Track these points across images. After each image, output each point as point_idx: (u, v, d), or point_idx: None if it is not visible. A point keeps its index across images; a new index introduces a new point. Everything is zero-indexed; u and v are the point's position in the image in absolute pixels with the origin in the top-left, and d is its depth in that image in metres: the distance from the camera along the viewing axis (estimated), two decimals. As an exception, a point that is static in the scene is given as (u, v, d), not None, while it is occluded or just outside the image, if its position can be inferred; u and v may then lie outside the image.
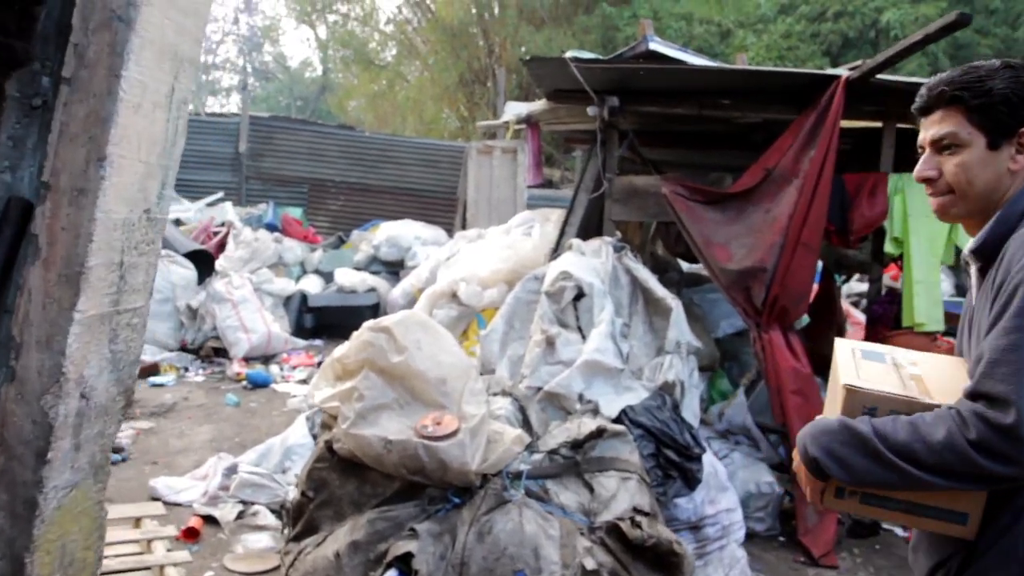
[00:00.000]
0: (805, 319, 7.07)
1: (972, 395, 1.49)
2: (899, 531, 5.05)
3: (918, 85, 4.60)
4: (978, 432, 1.43)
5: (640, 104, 5.11)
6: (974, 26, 13.74)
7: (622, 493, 3.25)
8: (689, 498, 3.85)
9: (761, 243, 4.65)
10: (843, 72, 4.67)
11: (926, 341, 4.94)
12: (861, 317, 9.24)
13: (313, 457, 3.23)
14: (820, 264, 7.50)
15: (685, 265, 8.15)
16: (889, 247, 4.84)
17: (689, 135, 6.37)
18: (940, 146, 1.70)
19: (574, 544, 2.98)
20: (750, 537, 4.71)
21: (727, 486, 4.12)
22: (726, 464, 4.92)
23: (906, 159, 5.79)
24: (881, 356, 1.80)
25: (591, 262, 4.37)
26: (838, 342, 1.87)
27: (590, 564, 2.95)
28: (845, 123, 5.35)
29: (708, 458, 4.01)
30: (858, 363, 1.73)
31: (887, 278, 8.09)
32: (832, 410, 1.74)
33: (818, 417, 1.66)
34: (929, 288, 4.77)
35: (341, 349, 3.30)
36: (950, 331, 9.11)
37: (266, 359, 7.66)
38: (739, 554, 3.99)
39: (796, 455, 1.67)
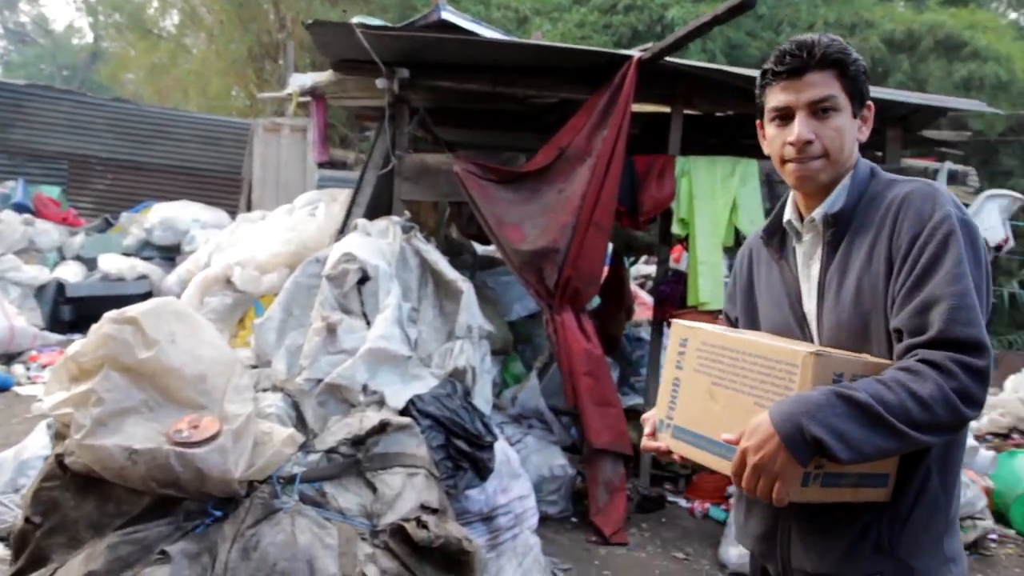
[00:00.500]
0: (596, 300, 7.17)
1: (941, 343, 1.44)
2: (682, 503, 5.20)
3: (705, 69, 4.65)
4: (961, 379, 1.40)
5: (432, 78, 4.87)
6: (744, 28, 14.72)
7: (408, 491, 3.00)
8: (481, 489, 3.68)
9: (554, 223, 4.56)
10: (635, 53, 4.67)
11: (709, 319, 5.08)
12: (648, 298, 9.58)
13: (40, 475, 2.72)
14: (610, 247, 7.66)
15: (479, 248, 8.06)
16: (676, 228, 4.93)
17: (483, 115, 6.21)
18: (817, 108, 1.62)
19: (354, 552, 2.69)
20: (543, 521, 4.65)
21: (520, 473, 4.00)
22: (519, 449, 4.83)
23: (692, 143, 6.02)
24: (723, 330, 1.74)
25: (377, 243, 4.08)
26: (676, 325, 1.75)
27: (372, 572, 2.68)
28: (635, 107, 5.40)
29: (500, 446, 3.86)
30: (746, 336, 1.64)
31: (671, 260, 8.41)
32: (695, 403, 1.65)
33: (795, 395, 1.44)
34: (712, 268, 4.90)
35: (76, 345, 2.81)
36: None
37: (9, 357, 6.70)
38: (532, 541, 3.89)
39: (755, 442, 1.43)
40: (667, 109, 5.20)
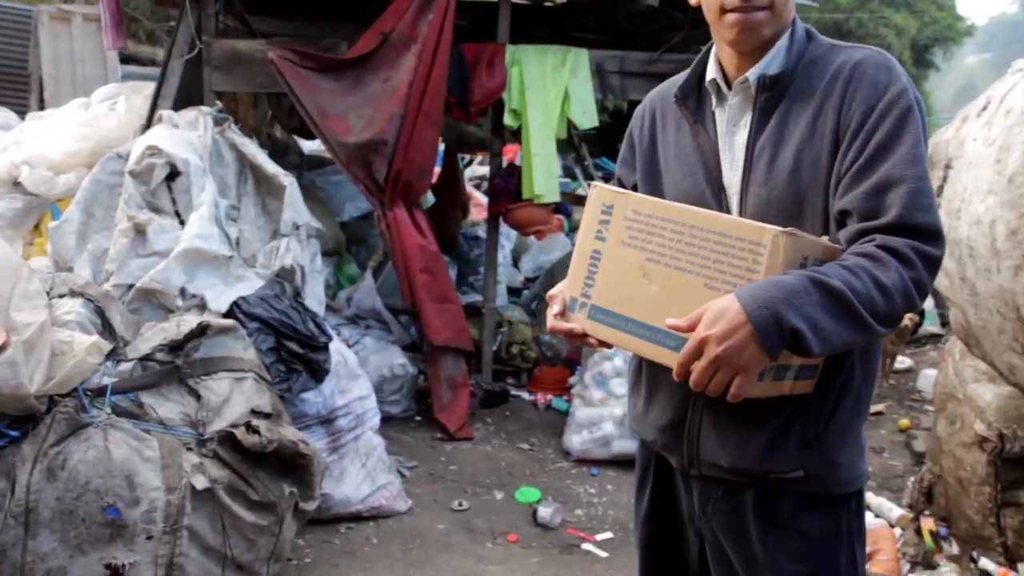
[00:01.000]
0: (431, 199, 7.02)
1: (900, 228, 1.31)
2: (525, 396, 5.28)
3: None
4: (919, 269, 1.30)
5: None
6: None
7: (236, 396, 2.81)
8: (318, 391, 3.53)
9: (381, 114, 4.32)
10: (458, -70, 4.40)
11: (544, 212, 5.07)
12: (483, 198, 9.53)
13: None
14: (443, 144, 7.47)
15: (307, 147, 7.64)
16: (508, 119, 4.81)
17: (302, 3, 5.75)
18: None
19: (179, 463, 2.50)
20: (387, 421, 4.58)
21: (358, 373, 3.87)
22: (358, 350, 4.69)
23: (522, 34, 5.86)
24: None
25: (186, 135, 3.70)
26: (598, 188, 1.50)
27: (201, 483, 2.50)
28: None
29: (336, 346, 3.71)
30: (695, 208, 1.41)
31: (505, 158, 8.34)
32: (621, 281, 1.43)
33: (769, 279, 1.26)
34: (546, 161, 4.84)
35: None
36: (563, 209, 9.79)
37: None
38: (375, 441, 3.80)
39: (719, 330, 1.23)
40: (495, -2, 5.00)
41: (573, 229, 10.19)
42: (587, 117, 4.97)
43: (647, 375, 1.64)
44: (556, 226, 9.45)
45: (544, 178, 4.83)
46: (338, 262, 5.99)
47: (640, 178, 1.64)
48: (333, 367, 3.58)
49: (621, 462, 4.32)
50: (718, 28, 1.47)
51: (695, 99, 1.57)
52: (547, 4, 5.91)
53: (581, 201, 9.16)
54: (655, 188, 1.61)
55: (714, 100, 1.55)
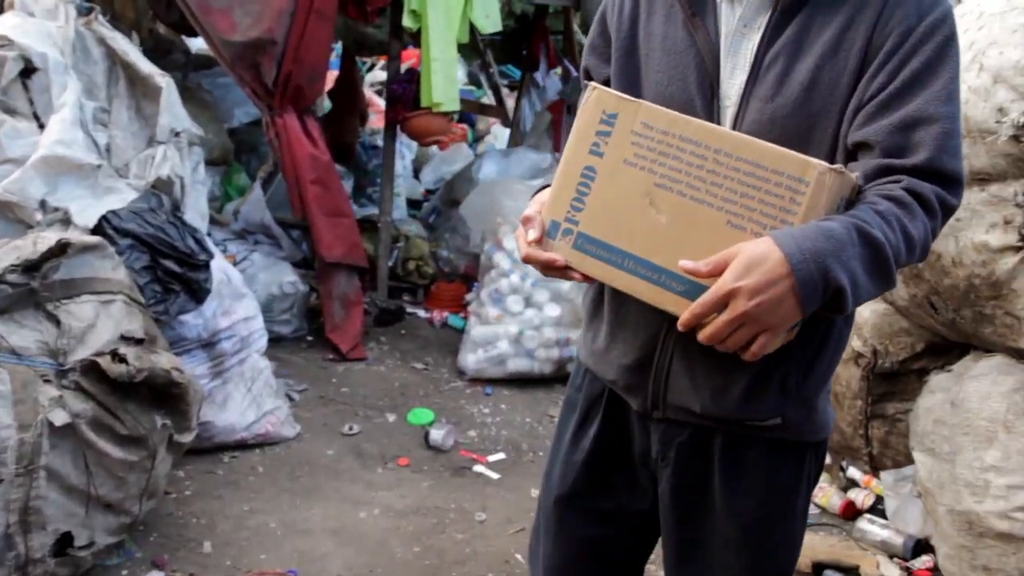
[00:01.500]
0: (327, 105, 6.69)
1: (929, 172, 1.17)
2: (421, 313, 5.17)
3: None
4: (939, 221, 1.18)
5: None
6: None
7: (103, 321, 2.60)
8: (198, 312, 3.33)
9: (269, 10, 3.99)
10: None
11: (444, 121, 4.87)
12: (384, 104, 9.16)
13: None
14: (341, 47, 7.07)
15: (195, 45, 7.11)
16: (407, 20, 4.53)
17: None
18: None
19: (34, 397, 2.30)
20: (277, 341, 4.42)
21: (244, 292, 3.67)
22: (246, 267, 4.47)
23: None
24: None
25: (44, 26, 3.32)
26: (598, 91, 1.27)
27: (60, 418, 2.31)
28: None
29: (219, 264, 3.49)
30: (720, 129, 1.23)
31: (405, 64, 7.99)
32: (621, 207, 1.22)
33: (815, 226, 1.09)
34: (446, 66, 4.61)
35: None
36: (466, 119, 9.53)
37: None
38: (262, 364, 3.64)
39: (755, 282, 1.07)
40: None
41: (477, 139, 9.97)
42: (490, 21, 4.75)
43: (610, 307, 1.45)
44: (459, 135, 9.24)
45: (444, 85, 4.61)
46: (226, 171, 5.65)
47: (614, 72, 1.41)
48: (215, 287, 3.38)
49: (515, 381, 4.31)
50: None
51: None
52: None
53: (486, 110, 8.93)
54: (632, 87, 1.38)
55: None
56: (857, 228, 1.09)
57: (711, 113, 1.30)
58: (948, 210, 1.19)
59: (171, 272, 3.18)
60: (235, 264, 4.41)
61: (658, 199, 1.20)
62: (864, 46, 1.21)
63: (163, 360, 2.62)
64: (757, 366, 1.27)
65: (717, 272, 1.10)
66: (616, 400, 1.49)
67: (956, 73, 1.20)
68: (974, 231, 2.01)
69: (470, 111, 8.72)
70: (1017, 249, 1.90)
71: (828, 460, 3.23)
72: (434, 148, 7.90)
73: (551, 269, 1.27)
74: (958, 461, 2.11)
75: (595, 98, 1.25)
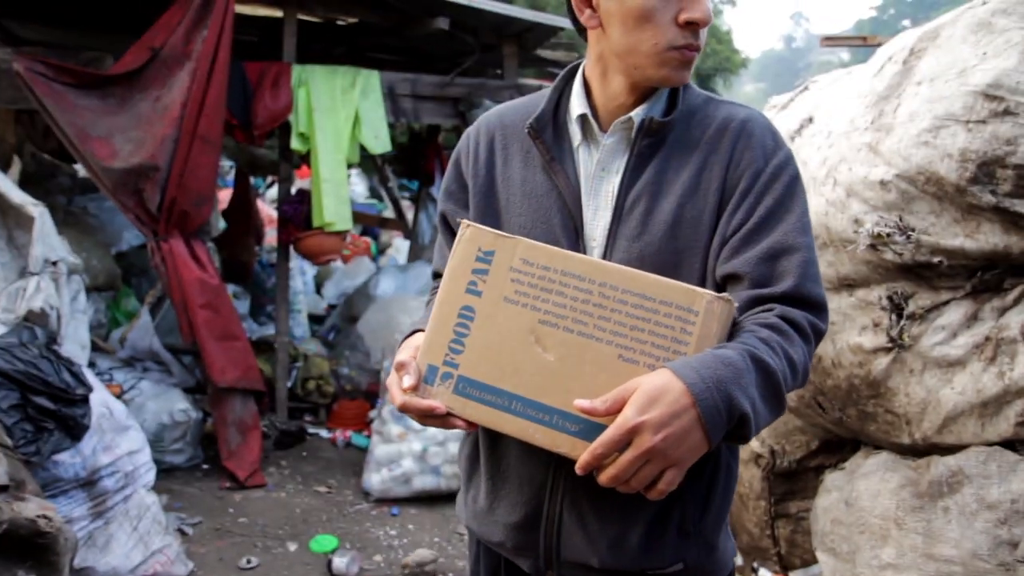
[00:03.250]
0: (223, 225, 6.60)
1: (797, 300, 1.20)
2: (323, 433, 5.02)
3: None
4: (813, 345, 1.20)
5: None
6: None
7: (-39, 470, 2.40)
8: (75, 450, 3.12)
9: (152, 137, 3.95)
10: (234, -58, 4.13)
11: (337, 240, 4.86)
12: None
13: None
14: (235, 166, 7.06)
15: (81, 169, 6.96)
16: (296, 143, 4.57)
17: (62, 10, 5.20)
18: None
19: None
20: (169, 472, 4.20)
21: (128, 425, 3.47)
22: (134, 395, 4.28)
23: (313, 52, 5.62)
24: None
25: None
26: (472, 229, 1.22)
27: (-95, 582, 2.09)
28: (246, 9, 4.87)
29: (99, 396, 3.31)
30: (603, 262, 1.20)
31: (299, 180, 8.02)
32: (504, 348, 1.16)
33: (712, 354, 1.08)
34: (336, 187, 4.64)
35: None
36: (369, 232, 9.55)
37: None
38: (149, 500, 3.42)
39: (659, 415, 1.03)
40: (280, 13, 4.75)
41: (380, 251, 9.98)
42: (379, 141, 4.82)
43: (489, 461, 1.37)
44: (362, 249, 9.23)
45: (335, 204, 4.63)
46: (114, 297, 5.45)
47: (474, 217, 1.39)
48: (95, 421, 3.19)
49: (422, 499, 4.18)
50: (642, 62, 1.27)
51: (551, 133, 1.36)
52: (339, 23, 5.72)
53: (385, 223, 9.00)
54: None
55: (577, 137, 1.36)
56: (751, 355, 1.09)
57: (578, 253, 1.29)
58: (818, 334, 1.23)
59: (44, 409, 2.98)
60: (122, 394, 4.20)
61: (544, 336, 1.15)
62: (720, 186, 1.27)
63: (29, 507, 2.42)
64: (653, 510, 1.25)
65: (615, 409, 1.05)
66: (510, 567, 1.40)
67: (806, 208, 1.28)
68: (848, 334, 2.09)
69: (371, 225, 8.77)
70: (888, 350, 1.98)
71: (740, 562, 3.21)
72: (337, 262, 7.85)
73: (431, 418, 1.19)
74: (857, 560, 2.12)
75: (469, 236, 1.21)
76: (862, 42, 7.08)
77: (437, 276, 1.51)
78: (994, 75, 1.77)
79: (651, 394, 1.03)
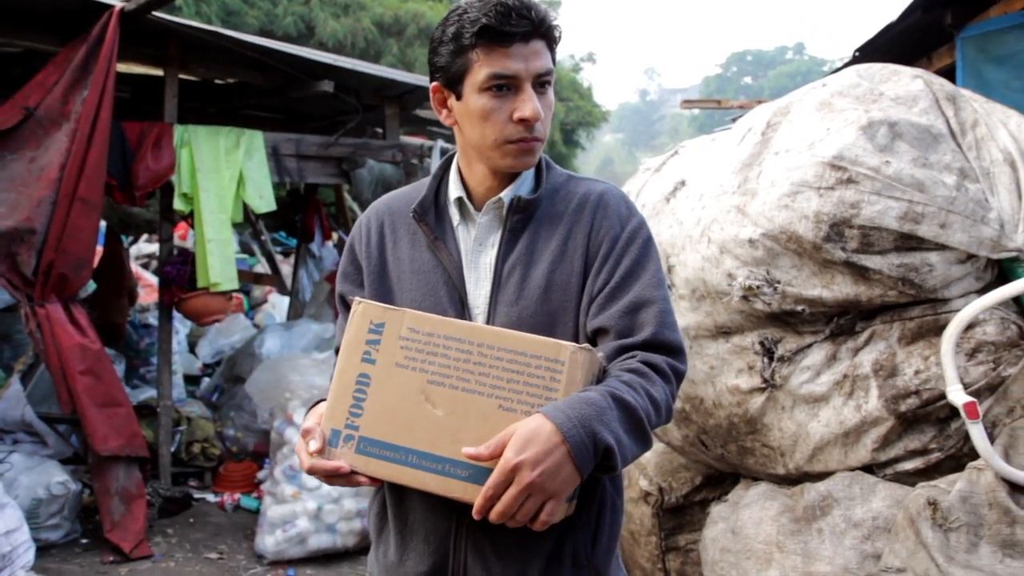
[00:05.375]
0: (92, 285, 6.35)
1: (656, 345, 1.36)
2: (210, 497, 4.89)
3: (198, 29, 4.27)
4: (674, 385, 1.36)
5: None
6: (238, -6, 14.27)
7: None
8: (-49, 532, 2.97)
9: (27, 199, 3.84)
10: (117, 2, 4.10)
11: (222, 300, 4.81)
12: (153, 279, 8.82)
13: None
14: (104, 224, 6.82)
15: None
16: (179, 204, 4.52)
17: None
18: (542, 82, 1.41)
19: None
20: (45, 550, 4.00)
21: (3, 503, 3.33)
22: (4, 470, 4.06)
23: (191, 111, 5.58)
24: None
25: None
26: (363, 305, 1.36)
27: None
28: (124, 68, 4.81)
29: (-25, 474, 3.16)
30: (478, 325, 1.36)
31: (176, 237, 7.82)
32: (398, 408, 1.29)
33: (577, 396, 1.22)
34: (221, 247, 4.61)
35: None
36: (242, 288, 9.37)
37: None
38: (29, 580, 3.28)
39: (533, 454, 1.17)
40: (160, 72, 4.73)
41: (253, 307, 9.79)
42: (264, 200, 4.84)
43: (397, 517, 1.49)
44: (235, 305, 9.03)
45: (221, 265, 4.60)
46: (-26, 366, 5.15)
47: (369, 295, 1.53)
48: (-30, 500, 3.05)
49: (319, 558, 4.15)
50: (490, 153, 1.44)
51: (434, 215, 1.53)
52: (217, 82, 5.72)
53: (261, 279, 8.86)
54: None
55: (456, 218, 1.52)
56: (612, 394, 1.25)
57: (465, 320, 1.46)
58: (679, 375, 1.40)
59: (-83, 491, 2.83)
60: (-10, 471, 3.98)
61: (433, 395, 1.29)
62: (584, 252, 1.46)
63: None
64: (549, 545, 1.39)
65: (498, 453, 1.19)
66: None
67: (659, 265, 1.47)
68: (727, 376, 2.32)
69: (246, 281, 8.61)
70: (762, 390, 2.21)
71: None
72: (210, 320, 7.66)
73: (337, 477, 1.31)
74: (744, 583, 2.33)
75: (361, 311, 1.36)
76: (717, 105, 7.72)
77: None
78: (838, 148, 2.06)
79: (526, 436, 1.19)
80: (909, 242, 1.97)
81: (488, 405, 1.26)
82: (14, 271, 3.88)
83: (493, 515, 1.20)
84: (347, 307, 1.57)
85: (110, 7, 4.00)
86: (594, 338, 1.43)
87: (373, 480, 1.31)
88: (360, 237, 1.59)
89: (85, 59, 3.96)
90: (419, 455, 1.27)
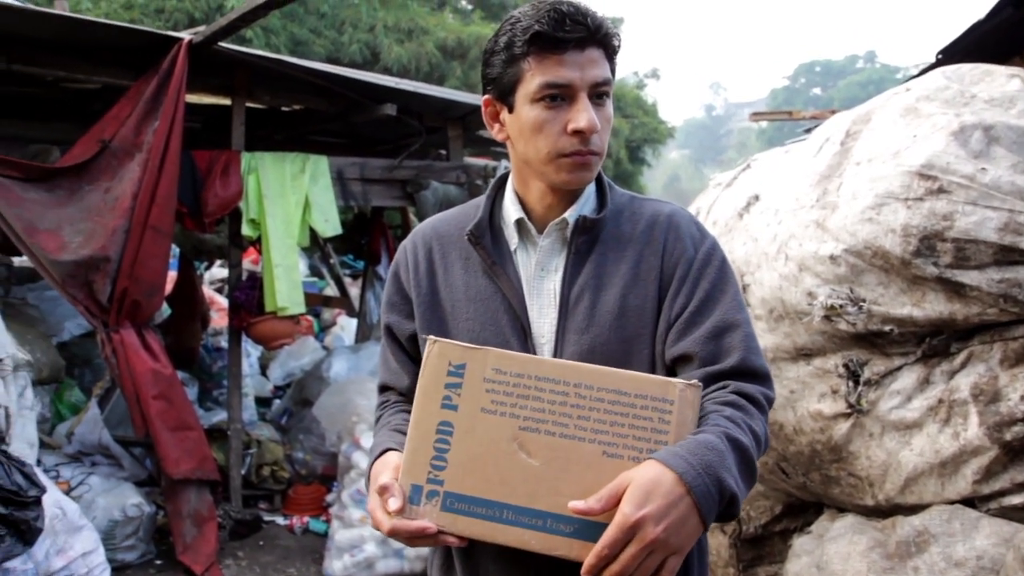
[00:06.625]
0: (167, 310, 6.50)
1: (746, 373, 1.28)
2: (280, 520, 4.91)
3: (264, 58, 4.32)
4: (767, 414, 1.27)
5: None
6: (308, 25, 14.62)
7: (-86, 584, 2.30)
8: (27, 555, 3.02)
9: (102, 228, 3.92)
10: (186, 35, 4.19)
11: (289, 324, 4.85)
12: (226, 303, 8.99)
13: None
14: (178, 250, 6.98)
15: (17, 258, 6.81)
16: (247, 230, 4.58)
17: (9, 102, 5.17)
18: (599, 92, 1.32)
19: None
20: (122, 570, 4.07)
21: (81, 525, 3.37)
22: (83, 492, 4.14)
23: (257, 139, 5.67)
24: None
25: None
26: (439, 344, 1.23)
27: None
28: (193, 99, 4.91)
29: (52, 496, 3.21)
30: (572, 363, 1.23)
31: (247, 262, 7.97)
32: (487, 458, 1.17)
33: (695, 441, 1.13)
34: (288, 271, 4.65)
35: None
36: (311, 311, 9.48)
37: None
38: (104, 603, 3.31)
39: (657, 507, 1.06)
40: (228, 101, 4.81)
41: (323, 329, 9.90)
42: (330, 224, 4.86)
43: (464, 570, 1.36)
44: (305, 328, 9.15)
45: (288, 289, 4.63)
46: (57, 389, 5.30)
47: (420, 327, 1.43)
48: (48, 523, 3.09)
49: (387, 584, 4.11)
50: (544, 168, 1.35)
51: (490, 238, 1.42)
52: (283, 110, 5.80)
53: (329, 302, 8.96)
54: (443, 337, 1.39)
55: (514, 241, 1.42)
56: (727, 436, 1.15)
57: (527, 351, 1.36)
58: (770, 403, 1.31)
59: (-5, 515, 2.88)
60: (70, 491, 4.06)
61: (527, 443, 1.17)
62: (658, 275, 1.36)
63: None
64: None
65: (611, 506, 1.08)
66: None
67: (738, 287, 1.38)
68: (808, 401, 2.19)
69: (315, 304, 8.71)
70: (847, 415, 2.08)
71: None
72: (281, 342, 7.75)
73: (421, 538, 1.18)
74: (831, 621, 2.18)
75: (438, 352, 1.22)
76: (788, 116, 7.51)
77: (384, 389, 1.53)
78: (926, 156, 1.93)
79: (645, 487, 1.07)
80: (1011, 255, 1.82)
81: (591, 452, 1.15)
82: (90, 298, 3.97)
83: (608, 575, 1.08)
84: (394, 339, 1.49)
85: (179, 40, 4.09)
86: (673, 366, 1.32)
87: (462, 539, 1.17)
88: (407, 264, 1.49)
89: (156, 91, 4.04)
90: (515, 510, 1.15)
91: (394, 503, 1.18)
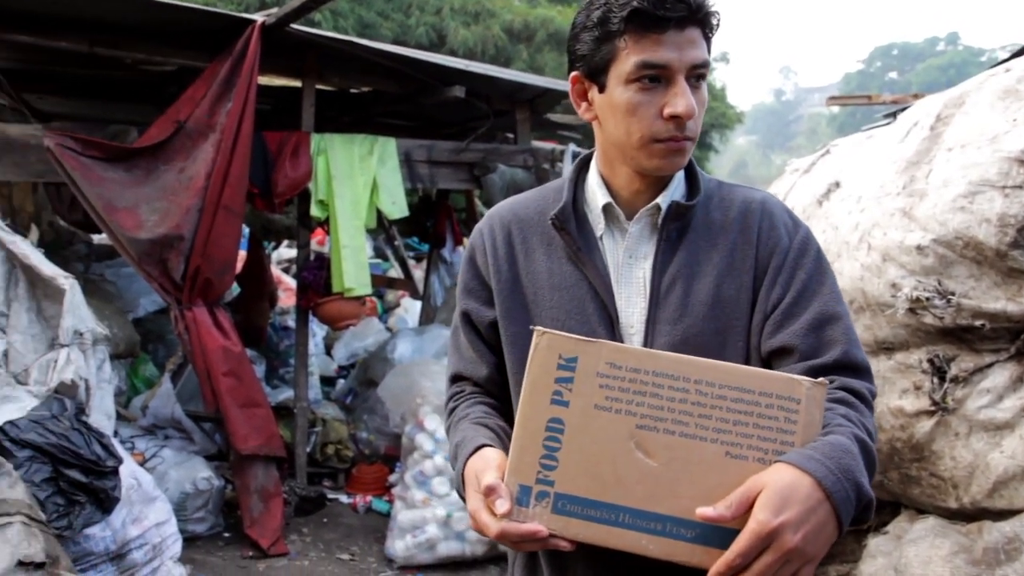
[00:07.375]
0: (236, 289, 6.64)
1: (848, 367, 1.24)
2: (343, 499, 4.98)
3: (335, 40, 4.33)
4: (874, 410, 1.23)
5: (8, 31, 3.99)
6: (375, 8, 14.72)
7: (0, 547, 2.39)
8: (105, 523, 3.11)
9: (177, 207, 4.01)
10: (259, 17, 4.24)
11: (356, 305, 4.89)
12: (293, 283, 9.16)
13: None
14: (247, 230, 7.11)
15: (97, 235, 7.05)
16: (315, 210, 4.63)
17: (90, 84, 5.32)
18: (697, 75, 1.25)
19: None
20: (192, 541, 4.17)
21: (155, 496, 3.46)
22: (156, 464, 4.26)
23: (327, 120, 5.73)
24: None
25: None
26: (548, 336, 1.14)
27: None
28: (264, 81, 4.98)
29: (128, 468, 3.31)
30: (691, 358, 1.15)
31: (314, 243, 8.09)
32: (602, 458, 1.10)
33: (829, 442, 1.07)
34: (355, 252, 4.69)
35: None
36: (375, 292, 9.59)
37: None
38: (176, 573, 3.41)
39: (796, 514, 1.00)
40: (298, 83, 4.86)
41: (387, 310, 10.01)
42: (397, 207, 4.88)
43: (552, 570, 1.31)
44: (369, 309, 9.26)
45: (354, 270, 4.67)
46: (132, 363, 5.46)
47: (502, 314, 1.38)
48: (124, 493, 3.19)
49: (447, 565, 4.13)
50: (635, 153, 1.29)
51: (574, 224, 1.36)
52: (352, 92, 5.84)
53: (393, 283, 9.04)
54: (524, 323, 1.35)
55: (600, 227, 1.36)
56: (856, 438, 1.10)
57: (615, 339, 1.30)
58: (874, 397, 1.26)
59: (75, 482, 2.98)
60: (144, 462, 4.19)
61: (644, 441, 1.10)
62: (753, 264, 1.30)
63: (67, 588, 2.40)
64: None
65: (742, 512, 1.02)
66: None
67: (835, 278, 1.33)
68: (889, 397, 2.11)
69: (379, 285, 8.80)
70: (931, 413, 1.99)
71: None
72: (345, 323, 7.86)
73: (532, 542, 1.11)
74: (907, 625, 2.10)
75: (547, 344, 1.14)
76: (867, 101, 7.26)
77: (458, 379, 1.47)
78: (1026, 142, 1.82)
79: (782, 493, 1.01)
80: (1118, 249, 1.71)
81: (713, 453, 1.08)
82: (165, 276, 4.07)
83: None
84: (471, 326, 1.44)
85: (252, 22, 4.14)
86: (770, 359, 1.27)
87: (573, 543, 1.10)
88: (484, 248, 1.43)
89: (229, 73, 4.10)
90: (633, 513, 1.08)
91: (503, 505, 1.11)
